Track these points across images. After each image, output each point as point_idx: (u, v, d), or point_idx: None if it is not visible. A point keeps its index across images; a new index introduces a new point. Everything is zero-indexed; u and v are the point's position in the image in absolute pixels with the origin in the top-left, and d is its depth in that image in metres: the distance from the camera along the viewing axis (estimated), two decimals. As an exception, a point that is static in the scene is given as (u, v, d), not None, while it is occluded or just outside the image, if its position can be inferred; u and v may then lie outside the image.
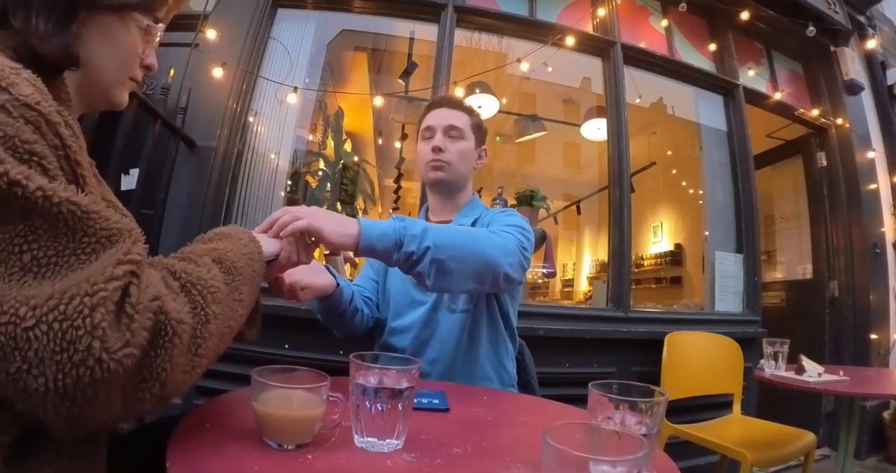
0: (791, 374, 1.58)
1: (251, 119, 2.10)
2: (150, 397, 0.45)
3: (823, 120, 3.00)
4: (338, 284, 1.02)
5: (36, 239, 0.41)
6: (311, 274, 0.93)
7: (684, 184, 4.47)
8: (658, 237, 5.28)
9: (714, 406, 1.99)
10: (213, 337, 0.51)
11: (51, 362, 0.38)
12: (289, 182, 2.34)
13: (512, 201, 2.30)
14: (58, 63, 0.54)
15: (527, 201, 2.22)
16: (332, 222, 0.75)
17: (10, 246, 0.40)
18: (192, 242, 0.63)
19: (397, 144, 4.19)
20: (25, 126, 0.43)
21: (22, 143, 0.42)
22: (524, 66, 2.29)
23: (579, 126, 3.58)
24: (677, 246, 4.95)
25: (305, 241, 0.76)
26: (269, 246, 0.69)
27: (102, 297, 0.40)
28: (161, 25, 0.65)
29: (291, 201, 2.51)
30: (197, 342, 0.48)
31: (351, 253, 1.22)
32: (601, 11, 2.44)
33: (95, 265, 0.42)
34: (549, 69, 2.38)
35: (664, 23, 2.67)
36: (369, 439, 0.55)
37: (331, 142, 3.24)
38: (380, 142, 4.66)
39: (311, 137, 2.88)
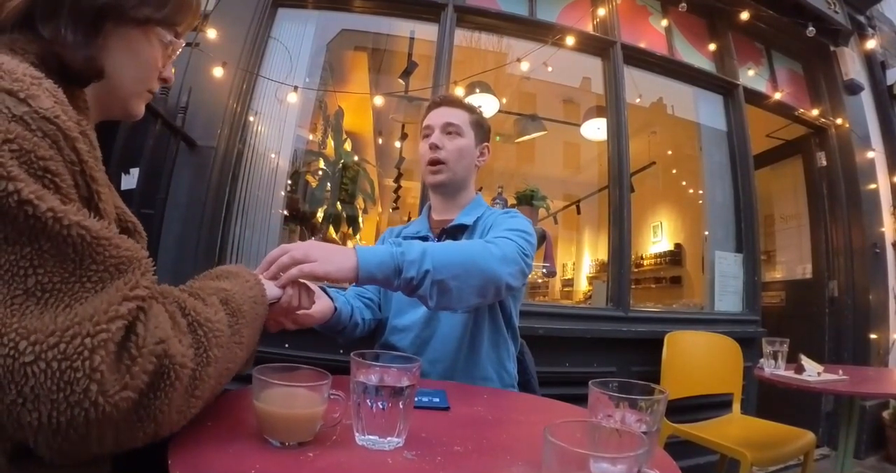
0: (791, 373, 1.58)
1: (251, 118, 2.09)
2: (144, 435, 0.45)
3: (823, 120, 3.01)
4: (335, 308, 1.01)
5: (42, 264, 0.40)
6: None
7: (684, 183, 4.47)
8: (658, 237, 5.28)
9: (714, 405, 2.00)
10: (212, 379, 0.51)
11: (46, 400, 0.38)
12: (289, 181, 2.34)
13: (512, 201, 2.30)
14: (83, 74, 0.55)
15: (527, 201, 2.23)
16: (330, 258, 0.75)
17: (14, 269, 0.39)
18: (200, 277, 0.63)
19: (397, 144, 4.19)
20: (43, 140, 0.42)
21: (38, 159, 0.41)
22: (524, 66, 2.29)
23: (579, 126, 3.58)
24: (677, 245, 4.95)
25: (307, 286, 0.77)
26: (271, 289, 0.70)
27: (104, 339, 0.40)
28: (181, 40, 0.65)
29: (292, 201, 2.51)
30: (195, 384, 0.48)
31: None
32: (601, 11, 2.44)
33: (101, 299, 0.41)
34: (549, 69, 2.38)
35: (664, 23, 2.67)
36: (370, 437, 0.55)
37: (331, 142, 3.24)
38: (380, 141, 4.66)
39: (311, 137, 2.89)
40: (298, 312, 0.85)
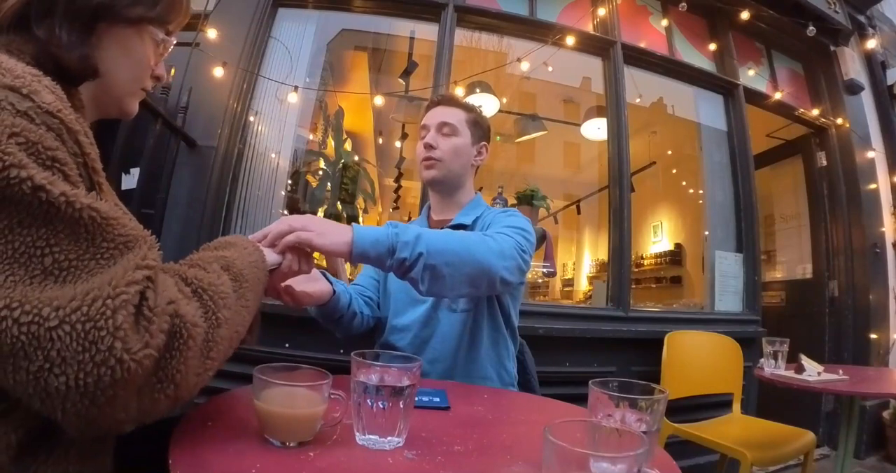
0: (791, 373, 1.58)
1: (252, 118, 2.10)
2: (165, 398, 0.46)
3: (823, 120, 3.01)
4: (334, 291, 1.01)
5: (57, 243, 0.42)
6: (307, 282, 0.92)
7: (684, 183, 4.47)
8: (658, 237, 5.29)
9: (714, 405, 2.00)
10: (224, 341, 0.52)
11: (73, 361, 0.39)
12: (289, 181, 2.34)
13: (512, 200, 2.30)
14: (79, 74, 0.56)
15: (527, 200, 2.22)
16: (326, 231, 0.76)
17: (31, 250, 0.41)
18: (199, 250, 0.64)
19: (397, 144, 4.19)
20: (48, 133, 0.44)
21: (45, 150, 0.43)
22: (524, 66, 2.29)
23: (579, 125, 3.59)
24: (677, 245, 4.95)
25: (306, 251, 0.77)
26: (270, 255, 0.71)
27: (124, 300, 0.41)
28: (173, 38, 0.67)
29: (292, 201, 2.51)
30: (209, 345, 0.50)
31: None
32: (601, 11, 2.44)
33: (116, 268, 0.43)
34: (550, 69, 2.38)
35: (664, 22, 2.67)
36: (371, 437, 0.55)
37: (331, 142, 3.24)
38: (380, 141, 4.67)
39: (311, 137, 2.88)
40: (298, 289, 0.87)
